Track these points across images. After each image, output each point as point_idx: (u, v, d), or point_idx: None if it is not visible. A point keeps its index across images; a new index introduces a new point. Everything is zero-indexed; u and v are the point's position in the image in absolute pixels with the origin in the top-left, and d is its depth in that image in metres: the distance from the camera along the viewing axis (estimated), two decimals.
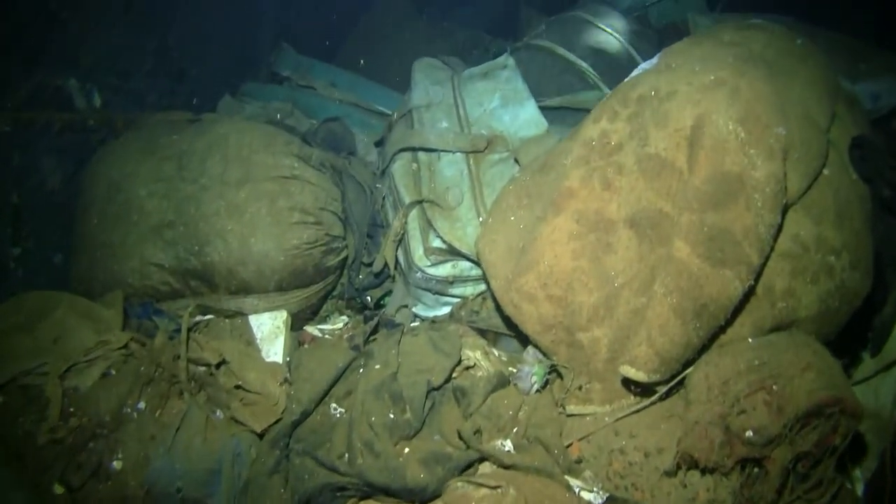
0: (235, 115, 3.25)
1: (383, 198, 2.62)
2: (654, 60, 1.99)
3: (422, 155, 2.55)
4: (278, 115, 3.23)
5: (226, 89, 3.71)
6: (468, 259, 2.30)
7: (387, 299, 2.63)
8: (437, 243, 2.30)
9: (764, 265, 1.62)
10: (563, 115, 2.94)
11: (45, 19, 2.50)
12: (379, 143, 3.01)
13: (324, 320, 2.63)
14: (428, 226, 2.34)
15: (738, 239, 1.56)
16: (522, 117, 2.55)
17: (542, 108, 2.67)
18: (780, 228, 1.62)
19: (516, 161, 2.36)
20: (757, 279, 1.62)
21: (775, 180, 1.57)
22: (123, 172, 2.47)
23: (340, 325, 2.58)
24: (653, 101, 1.77)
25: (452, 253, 2.29)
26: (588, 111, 2.76)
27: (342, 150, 2.79)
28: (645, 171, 1.73)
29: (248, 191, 2.31)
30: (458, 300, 2.45)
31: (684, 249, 1.58)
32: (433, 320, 2.46)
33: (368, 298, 2.62)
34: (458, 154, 2.48)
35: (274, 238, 2.28)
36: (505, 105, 2.60)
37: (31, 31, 2.47)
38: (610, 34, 3.38)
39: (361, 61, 4.30)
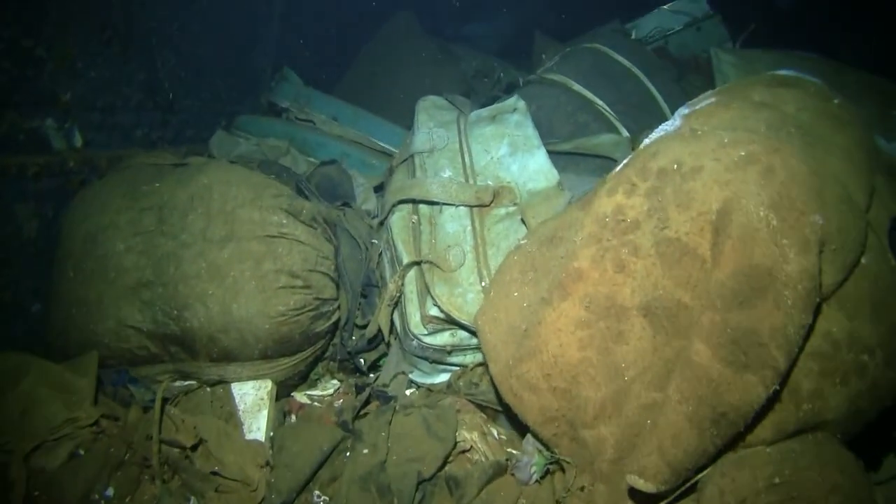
0: (229, 151, 3.12)
1: (380, 253, 2.47)
2: (677, 122, 1.84)
3: (423, 207, 2.42)
4: (273, 155, 3.08)
5: (222, 118, 3.60)
6: (467, 329, 2.14)
7: (382, 361, 2.48)
8: (434, 311, 2.16)
9: (792, 368, 1.48)
10: (577, 161, 2.78)
11: (18, 57, 2.36)
12: (379, 189, 2.86)
13: (314, 384, 2.50)
14: (426, 290, 2.19)
15: (764, 340, 1.40)
16: (532, 167, 2.40)
17: (554, 154, 2.54)
18: (811, 328, 1.46)
19: (523, 221, 2.19)
20: (783, 383, 1.48)
21: (809, 276, 1.41)
22: (101, 224, 2.34)
23: (331, 390, 2.45)
24: (675, 175, 1.61)
25: (451, 322, 2.13)
26: (603, 158, 2.69)
27: (338, 198, 2.65)
28: (663, 255, 1.59)
29: (232, 251, 2.17)
30: (456, 368, 2.31)
31: (704, 353, 1.44)
32: (430, 388, 2.35)
33: (362, 361, 2.49)
34: (462, 207, 2.34)
35: (258, 304, 2.14)
36: (513, 153, 2.45)
37: (1, 71, 2.33)
38: (629, 69, 3.21)
39: (365, 85, 4.14)
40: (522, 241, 2.04)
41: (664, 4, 4.24)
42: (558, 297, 1.71)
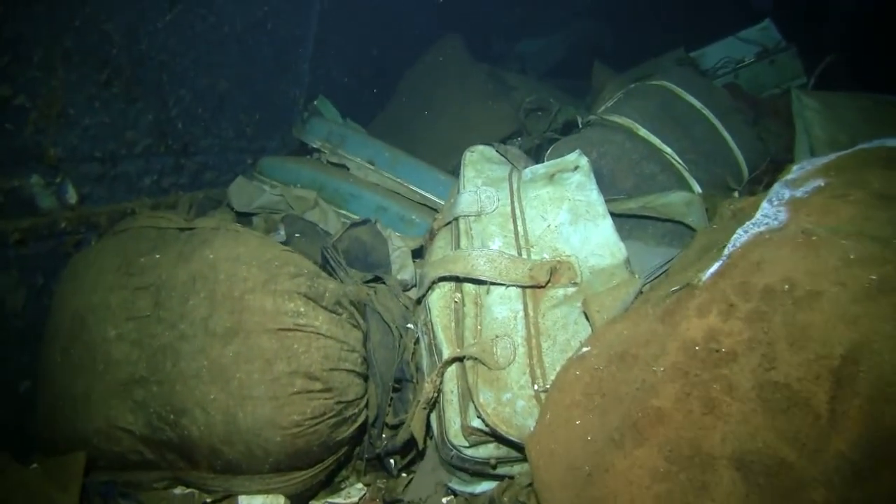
0: (249, 201, 2.79)
1: (416, 340, 2.12)
2: (783, 215, 1.51)
3: (467, 284, 2.07)
4: (299, 207, 2.74)
5: (247, 157, 3.28)
6: (516, 447, 1.81)
7: (415, 469, 2.14)
8: (477, 423, 1.84)
9: None
10: (644, 225, 2.43)
11: None
12: (418, 253, 2.53)
13: (337, 489, 2.18)
14: (468, 394, 1.85)
15: None
16: (595, 240, 2.08)
17: (617, 216, 2.25)
18: None
19: (585, 315, 1.84)
20: None
21: None
22: (91, 303, 2.05)
23: (356, 497, 2.13)
24: (786, 300, 1.30)
25: (497, 437, 1.79)
26: (674, 222, 2.31)
27: (370, 266, 2.33)
28: (767, 401, 1.27)
29: (238, 347, 1.85)
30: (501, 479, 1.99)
31: None
32: (468, 498, 2.07)
33: (392, 462, 2.14)
34: (513, 288, 2.00)
35: (268, 413, 1.82)
36: (574, 221, 2.12)
37: None
38: (699, 110, 2.84)
39: (407, 118, 3.81)
40: (586, 350, 1.69)
41: (733, 33, 3.85)
42: (632, 442, 1.40)
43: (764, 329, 1.30)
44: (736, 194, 2.82)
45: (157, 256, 2.10)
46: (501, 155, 2.49)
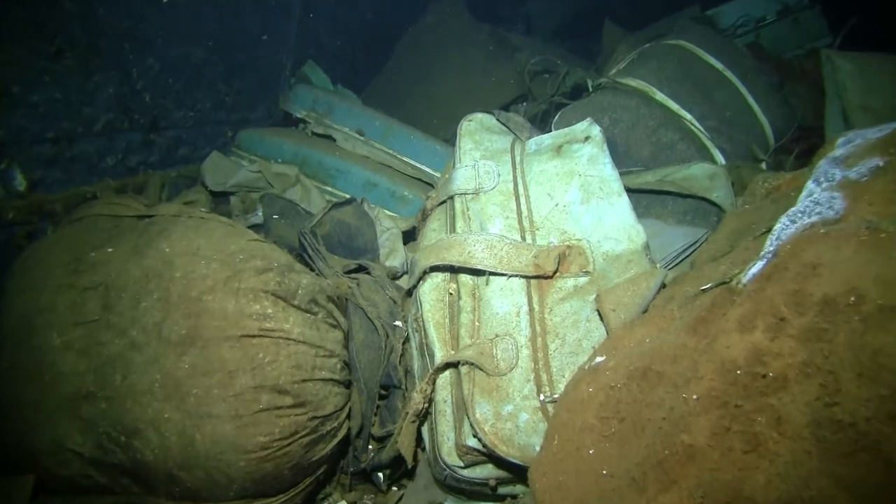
0: (224, 179, 2.52)
1: (405, 339, 1.86)
2: (838, 201, 1.25)
3: (464, 276, 1.82)
4: (279, 185, 2.46)
5: (227, 129, 3.00)
6: (518, 468, 1.56)
7: (406, 486, 1.89)
8: (473, 442, 1.59)
9: None
10: (663, 200, 2.16)
11: None
12: (410, 235, 2.25)
13: None
14: (463, 405, 1.58)
15: None
16: (610, 221, 1.82)
17: (633, 192, 2.03)
18: None
19: (598, 313, 1.58)
20: None
21: None
22: (37, 305, 1.79)
23: None
24: (851, 315, 1.03)
25: (495, 458, 1.57)
26: (694, 197, 2.04)
27: (355, 252, 2.08)
28: (825, 442, 1.00)
29: (195, 358, 1.59)
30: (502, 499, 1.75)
31: None
32: None
33: (380, 477, 1.88)
34: (516, 278, 1.74)
35: (230, 435, 1.57)
36: (586, 200, 1.86)
37: None
38: (721, 72, 2.55)
39: (404, 84, 3.52)
40: (601, 361, 1.43)
41: None
42: (657, 485, 1.15)
43: (823, 352, 1.03)
44: (763, 165, 2.54)
45: (110, 250, 1.83)
46: (502, 124, 2.21)
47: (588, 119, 2.04)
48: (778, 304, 1.10)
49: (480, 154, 2.06)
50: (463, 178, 1.98)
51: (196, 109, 2.89)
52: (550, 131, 2.47)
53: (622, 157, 2.47)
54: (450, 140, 2.87)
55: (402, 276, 2.22)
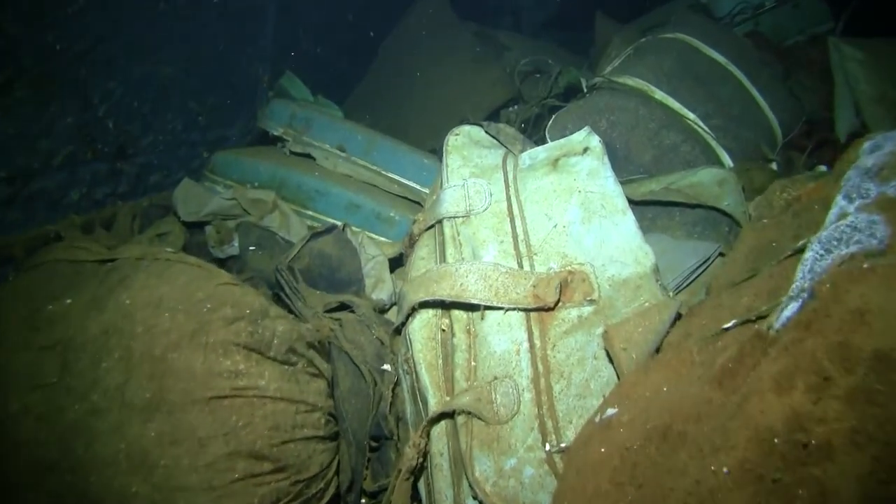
0: (197, 208, 2.37)
1: (395, 384, 1.70)
2: (880, 229, 1.13)
3: (457, 311, 1.65)
4: (257, 211, 2.31)
5: (202, 150, 2.84)
6: None
7: None
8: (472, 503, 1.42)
9: None
10: (670, 211, 2.04)
11: None
12: (398, 262, 2.10)
13: None
14: (461, 461, 1.44)
15: None
16: (614, 243, 1.66)
17: (637, 204, 1.92)
18: None
19: (607, 355, 1.44)
20: None
21: None
22: None
23: None
24: None
25: None
26: (703, 207, 1.91)
27: (337, 285, 1.93)
28: None
29: (162, 425, 1.44)
30: None
31: None
32: None
33: None
34: (514, 312, 1.57)
35: None
36: (587, 219, 1.69)
37: None
38: (724, 66, 2.41)
39: (387, 93, 3.37)
40: (613, 414, 1.28)
41: None
42: None
43: (877, 418, 0.88)
44: (773, 165, 2.38)
45: (69, 302, 1.69)
46: (492, 136, 2.05)
47: (586, 128, 1.89)
48: (820, 360, 0.94)
49: (470, 171, 1.91)
50: (451, 199, 1.82)
51: (166, 132, 2.74)
52: (544, 137, 2.33)
53: (622, 163, 2.32)
54: (438, 151, 2.72)
55: (390, 308, 2.07)
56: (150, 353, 1.52)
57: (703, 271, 1.86)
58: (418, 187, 2.59)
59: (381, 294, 2.05)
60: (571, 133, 2.35)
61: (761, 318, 1.16)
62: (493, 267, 1.62)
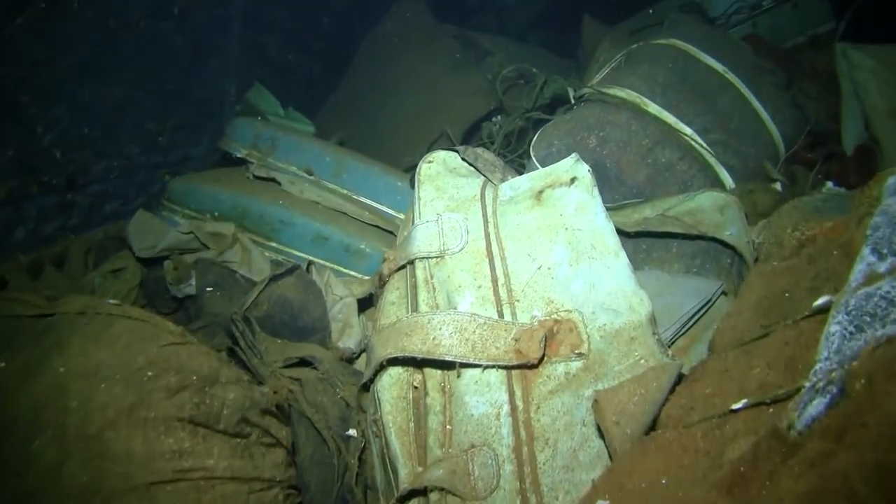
0: (153, 243, 2.20)
1: (362, 451, 1.55)
2: None
3: (430, 369, 1.50)
4: (217, 246, 2.15)
5: (163, 172, 2.68)
6: None
7: None
8: None
9: None
10: (667, 244, 1.90)
11: None
12: (367, 303, 1.95)
13: None
14: None
15: None
16: (606, 287, 1.51)
17: (631, 237, 1.80)
18: None
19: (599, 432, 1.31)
20: None
21: None
22: None
23: None
24: None
25: None
26: (703, 238, 1.83)
27: (300, 331, 1.76)
28: None
29: None
30: None
31: None
32: None
33: None
34: (494, 372, 1.43)
35: None
36: (576, 261, 1.54)
37: None
38: (722, 75, 2.27)
39: (362, 104, 3.22)
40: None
41: None
42: None
43: None
44: (778, 185, 2.23)
45: (2, 366, 1.51)
46: (469, 164, 1.89)
47: (573, 156, 1.74)
48: (854, 483, 0.79)
49: (444, 205, 1.76)
50: (424, 237, 1.68)
51: (122, 157, 2.59)
52: (529, 153, 2.18)
53: (614, 183, 2.17)
54: (412, 175, 2.58)
55: (359, 355, 1.91)
56: (84, 431, 1.37)
57: (704, 313, 1.71)
58: (392, 212, 2.43)
59: (349, 342, 1.90)
60: (557, 150, 2.20)
61: (777, 400, 1.01)
62: (469, 318, 1.47)
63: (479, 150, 1.93)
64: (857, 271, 1.05)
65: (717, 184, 2.22)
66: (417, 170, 1.86)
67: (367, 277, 2.21)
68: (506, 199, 1.74)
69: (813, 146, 2.48)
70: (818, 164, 2.35)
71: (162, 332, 1.55)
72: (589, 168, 1.69)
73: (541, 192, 1.71)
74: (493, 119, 3.03)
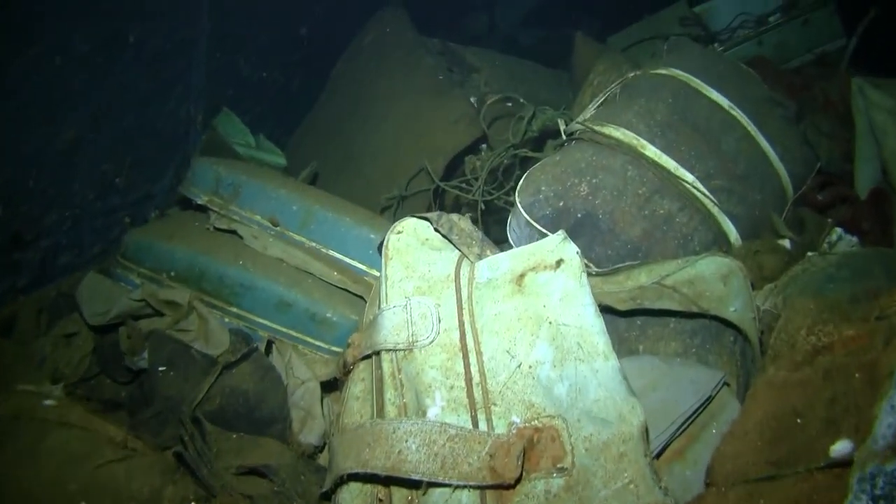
0: (105, 309, 2.06)
1: None
2: None
3: (396, 487, 1.39)
4: (173, 314, 2.01)
5: (124, 216, 2.55)
6: None
7: None
8: None
9: None
10: (664, 320, 1.82)
11: None
12: (331, 387, 1.82)
13: None
14: None
15: None
16: (593, 393, 1.39)
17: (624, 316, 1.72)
18: None
19: None
20: None
21: None
22: None
23: None
24: None
25: None
26: (705, 316, 1.71)
27: (258, 423, 1.65)
28: None
29: None
30: None
31: None
32: None
33: None
34: (466, 492, 1.30)
35: None
36: (560, 361, 1.42)
37: None
38: (727, 111, 2.14)
39: (337, 129, 3.08)
40: None
41: None
42: None
43: None
44: (787, 243, 2.09)
45: None
46: (443, 236, 1.73)
47: (560, 233, 1.63)
48: None
49: (414, 286, 1.63)
50: (391, 325, 1.55)
51: (74, 205, 2.44)
52: (514, 198, 2.04)
53: (606, 237, 2.04)
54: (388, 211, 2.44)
55: (323, 448, 1.78)
56: None
57: (702, 410, 1.58)
58: (363, 268, 2.27)
59: (310, 437, 1.78)
60: (545, 196, 2.07)
61: None
62: (439, 429, 1.35)
63: (455, 217, 1.79)
64: (886, 425, 0.92)
65: (720, 235, 2.09)
66: (385, 241, 1.73)
67: (334, 349, 2.07)
68: (483, 281, 1.61)
69: (823, 186, 2.34)
70: (830, 221, 2.21)
71: (100, 446, 1.43)
72: (578, 250, 1.57)
73: (522, 275, 1.58)
74: (479, 147, 2.88)
